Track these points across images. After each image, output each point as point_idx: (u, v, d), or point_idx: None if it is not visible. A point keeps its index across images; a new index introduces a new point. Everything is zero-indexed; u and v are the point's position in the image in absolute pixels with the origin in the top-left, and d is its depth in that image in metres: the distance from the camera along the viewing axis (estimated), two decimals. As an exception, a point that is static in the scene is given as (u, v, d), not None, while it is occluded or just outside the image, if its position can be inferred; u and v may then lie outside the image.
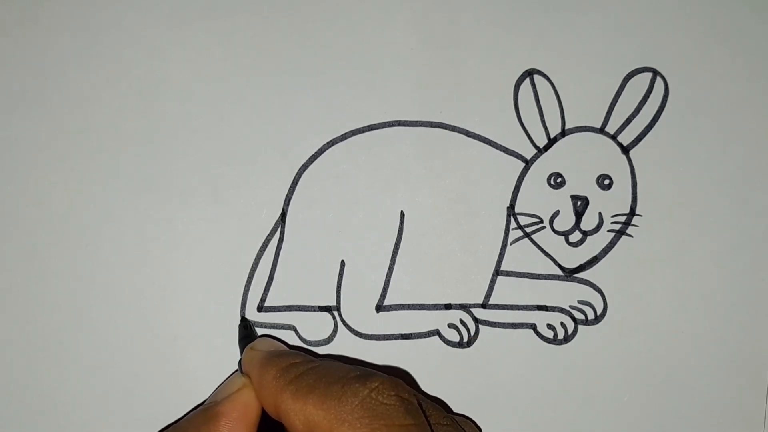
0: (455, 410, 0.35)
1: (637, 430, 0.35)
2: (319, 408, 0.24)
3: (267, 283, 0.35)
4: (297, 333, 0.35)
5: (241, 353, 0.32)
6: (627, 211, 0.35)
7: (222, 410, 0.27)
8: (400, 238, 0.35)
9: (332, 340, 0.35)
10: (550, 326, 0.35)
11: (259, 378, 0.27)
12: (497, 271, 0.35)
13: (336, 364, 0.27)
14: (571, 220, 0.35)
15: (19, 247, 0.34)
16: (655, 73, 0.35)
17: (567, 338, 0.35)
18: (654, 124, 0.35)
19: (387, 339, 0.35)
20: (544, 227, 0.35)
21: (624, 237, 0.35)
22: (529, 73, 0.35)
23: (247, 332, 0.34)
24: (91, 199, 0.34)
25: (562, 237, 0.35)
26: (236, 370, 0.31)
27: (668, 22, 0.35)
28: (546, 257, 0.35)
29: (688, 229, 0.35)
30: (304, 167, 0.35)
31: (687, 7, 0.35)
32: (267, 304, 0.35)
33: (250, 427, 0.27)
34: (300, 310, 0.35)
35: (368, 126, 0.35)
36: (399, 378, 0.26)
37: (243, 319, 0.34)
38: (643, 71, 0.35)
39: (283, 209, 0.35)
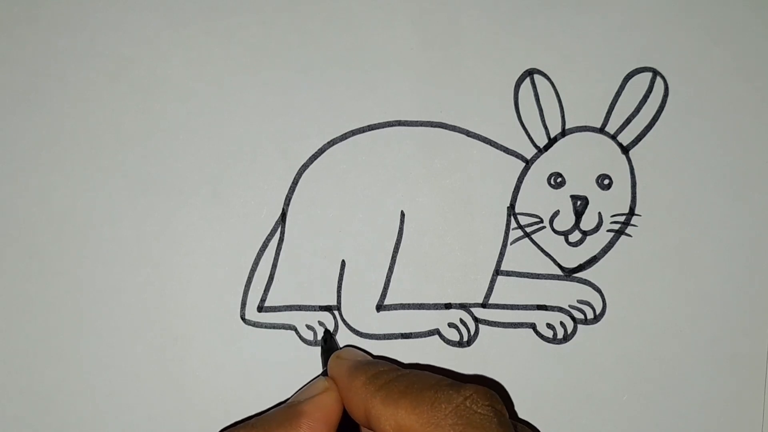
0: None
1: (636, 430, 0.35)
2: (411, 413, 0.24)
3: (267, 283, 0.35)
4: (297, 333, 0.35)
5: (323, 363, 0.32)
6: (626, 211, 0.35)
7: (305, 409, 0.27)
8: (401, 238, 0.35)
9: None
10: (549, 326, 0.35)
11: (348, 384, 0.27)
12: (497, 271, 0.35)
13: (426, 373, 0.27)
14: (571, 219, 0.35)
15: (19, 247, 0.34)
16: (655, 73, 0.35)
17: (566, 338, 0.35)
18: (654, 124, 0.35)
19: (387, 338, 0.35)
20: (544, 227, 0.35)
21: (623, 237, 0.35)
22: (530, 73, 0.35)
23: (329, 343, 0.34)
24: (91, 199, 0.34)
25: (562, 237, 0.35)
26: (319, 375, 0.31)
27: (668, 22, 0.35)
28: (546, 257, 0.35)
29: (688, 229, 0.35)
30: (304, 167, 0.35)
31: (687, 7, 0.35)
32: (267, 304, 0.35)
33: (330, 429, 0.27)
34: (300, 310, 0.35)
35: (368, 126, 0.35)
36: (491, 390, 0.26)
37: (326, 331, 0.35)
38: (643, 71, 0.35)
39: (283, 209, 0.35)
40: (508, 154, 0.35)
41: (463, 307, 0.35)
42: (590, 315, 0.35)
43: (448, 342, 0.35)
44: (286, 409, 0.28)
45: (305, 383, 0.30)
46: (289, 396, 0.30)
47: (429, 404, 0.24)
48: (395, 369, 0.27)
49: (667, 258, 0.35)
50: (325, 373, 0.31)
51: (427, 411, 0.24)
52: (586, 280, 0.35)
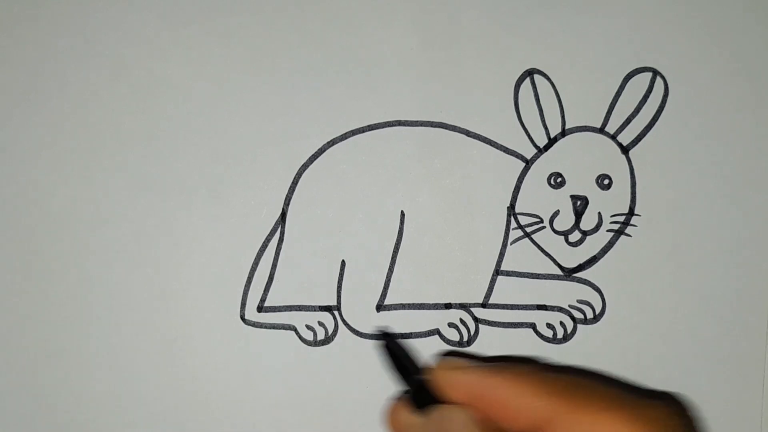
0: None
1: (635, 429, 0.35)
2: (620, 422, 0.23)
3: (267, 283, 0.35)
4: (297, 333, 0.35)
5: (400, 373, 0.29)
6: (626, 211, 0.35)
7: None
8: (400, 238, 0.35)
9: (333, 339, 0.35)
10: (549, 325, 0.35)
11: (504, 400, 0.25)
12: (497, 271, 0.35)
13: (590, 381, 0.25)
14: (571, 219, 0.35)
15: (19, 247, 0.34)
16: (655, 73, 0.35)
17: (566, 337, 0.35)
18: (654, 124, 0.35)
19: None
20: (544, 227, 0.35)
21: (623, 237, 0.35)
22: (530, 73, 0.35)
23: (399, 353, 0.30)
24: (91, 199, 0.34)
25: (562, 237, 0.35)
26: (411, 399, 0.27)
27: (668, 22, 0.35)
28: (546, 257, 0.35)
29: (687, 229, 0.35)
30: (304, 167, 0.35)
31: (687, 8, 0.35)
32: (267, 304, 0.35)
33: None
34: (300, 310, 0.35)
35: (368, 126, 0.35)
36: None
37: (385, 335, 0.33)
38: (643, 71, 0.35)
39: (283, 209, 0.35)
40: (508, 154, 0.35)
41: (463, 307, 0.35)
42: (590, 315, 0.35)
43: (448, 342, 0.35)
44: None
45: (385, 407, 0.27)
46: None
47: (640, 418, 0.23)
48: (551, 371, 0.25)
49: (666, 258, 0.35)
50: (412, 392, 0.27)
51: (643, 425, 0.23)
52: (585, 280, 0.35)
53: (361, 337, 0.35)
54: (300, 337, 0.35)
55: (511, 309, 0.35)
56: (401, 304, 0.35)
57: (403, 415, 0.27)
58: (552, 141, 0.35)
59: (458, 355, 0.35)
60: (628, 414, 0.23)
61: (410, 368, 0.28)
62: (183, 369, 0.34)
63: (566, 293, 0.35)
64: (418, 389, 0.27)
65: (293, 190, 0.35)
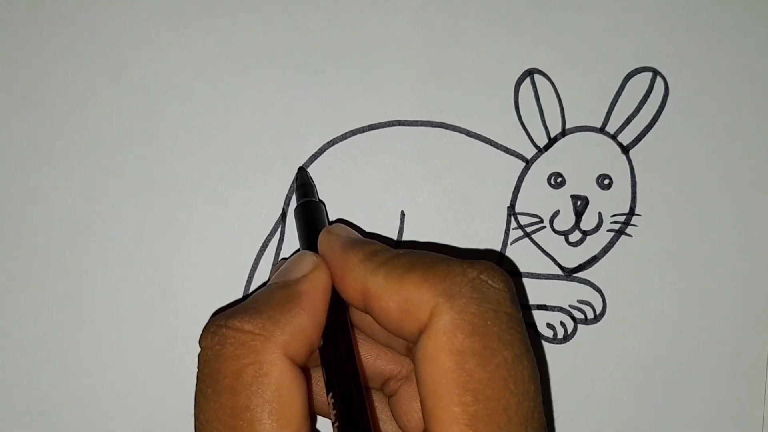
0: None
1: (636, 430, 0.35)
2: (421, 285, 0.23)
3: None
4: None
5: (301, 228, 0.30)
6: (627, 210, 0.35)
7: (303, 289, 0.25)
8: (401, 238, 0.35)
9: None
10: (549, 325, 0.35)
11: (342, 261, 0.26)
12: (497, 271, 0.35)
13: (426, 251, 0.26)
14: (571, 219, 0.35)
15: (19, 247, 0.34)
16: (655, 73, 0.35)
17: (566, 337, 0.35)
18: (654, 124, 0.35)
19: (387, 339, 0.35)
20: (544, 227, 0.35)
21: (623, 237, 0.35)
22: (530, 73, 0.35)
23: (308, 209, 0.32)
24: (91, 199, 0.34)
25: (562, 237, 0.35)
26: (297, 250, 0.30)
27: (668, 22, 0.35)
28: (546, 257, 0.35)
29: (688, 229, 0.35)
30: (304, 167, 0.35)
31: (687, 7, 0.35)
32: (267, 304, 0.35)
33: (326, 309, 0.26)
34: (300, 310, 0.35)
35: (368, 126, 0.35)
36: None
37: (303, 185, 0.33)
38: (643, 71, 0.35)
39: (283, 209, 0.35)
40: (508, 154, 0.35)
41: (463, 307, 0.35)
42: (590, 315, 0.35)
43: (448, 342, 0.35)
44: (284, 290, 0.26)
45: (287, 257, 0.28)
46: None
47: (442, 277, 0.23)
48: (391, 248, 0.26)
49: (667, 258, 0.35)
50: (307, 246, 0.29)
51: (439, 283, 0.23)
52: (586, 279, 0.35)
53: (361, 337, 0.35)
54: (300, 337, 0.35)
55: (512, 309, 0.35)
56: (401, 304, 0.35)
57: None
58: (552, 141, 0.35)
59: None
60: (424, 272, 0.23)
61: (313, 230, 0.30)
62: (183, 369, 0.34)
63: (566, 293, 0.35)
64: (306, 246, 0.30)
65: (293, 190, 0.35)
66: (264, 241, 0.35)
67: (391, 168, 0.35)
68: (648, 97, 0.35)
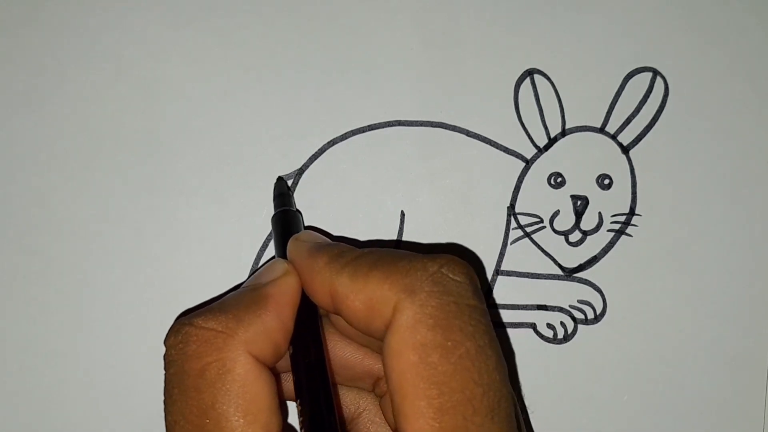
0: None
1: (636, 430, 0.35)
2: (384, 282, 0.23)
3: (267, 283, 0.35)
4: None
5: (277, 238, 0.31)
6: (627, 210, 0.35)
7: (270, 292, 0.26)
8: (401, 238, 0.35)
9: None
10: (549, 326, 0.35)
11: (309, 265, 0.26)
12: (497, 271, 0.35)
13: (390, 249, 0.26)
14: (571, 219, 0.35)
15: (19, 247, 0.34)
16: (655, 73, 0.35)
17: (567, 338, 0.35)
18: (654, 124, 0.35)
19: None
20: (544, 227, 0.35)
21: (624, 237, 0.35)
22: (530, 73, 0.35)
23: (285, 217, 0.32)
24: (91, 199, 0.34)
25: (562, 237, 0.35)
26: (272, 257, 0.30)
27: (668, 22, 0.35)
28: (546, 257, 0.35)
29: (688, 229, 0.35)
30: (304, 167, 0.35)
31: (687, 7, 0.35)
32: (267, 304, 0.35)
33: (294, 313, 0.26)
34: (300, 310, 0.35)
35: (368, 126, 0.35)
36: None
37: (281, 195, 0.33)
38: (643, 71, 0.35)
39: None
40: (508, 154, 0.35)
41: (463, 307, 0.35)
42: (590, 315, 0.35)
43: (448, 342, 0.35)
44: (251, 293, 0.26)
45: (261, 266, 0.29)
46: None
47: (403, 273, 0.24)
48: (357, 249, 0.26)
49: (667, 258, 0.35)
50: (282, 255, 0.29)
51: (401, 279, 0.23)
52: (586, 280, 0.35)
53: (361, 337, 0.35)
54: (300, 337, 0.35)
55: (511, 309, 0.35)
56: (401, 304, 0.35)
57: None
58: (552, 141, 0.35)
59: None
60: (386, 270, 0.24)
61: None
62: (183, 369, 0.34)
63: (567, 293, 0.35)
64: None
65: (293, 191, 0.35)
66: (264, 241, 0.35)
67: (391, 168, 0.35)
68: (648, 97, 0.35)
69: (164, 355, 0.25)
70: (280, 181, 0.34)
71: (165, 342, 0.25)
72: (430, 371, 0.22)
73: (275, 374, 0.25)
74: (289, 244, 0.29)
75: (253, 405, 0.23)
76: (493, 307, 0.35)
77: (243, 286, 0.27)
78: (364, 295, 0.24)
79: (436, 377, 0.22)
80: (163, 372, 0.25)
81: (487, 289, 0.35)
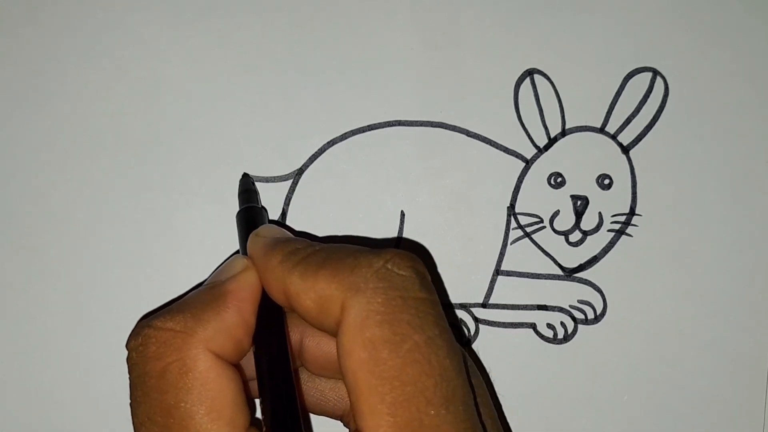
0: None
1: (636, 430, 0.35)
2: (331, 281, 0.24)
3: (267, 283, 0.35)
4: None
5: (240, 231, 0.31)
6: (627, 210, 0.35)
7: (230, 288, 0.26)
8: (400, 238, 0.35)
9: (332, 340, 0.35)
10: (550, 326, 0.35)
11: (264, 263, 0.26)
12: (497, 271, 0.35)
13: (344, 245, 0.26)
14: (571, 219, 0.35)
15: (19, 247, 0.34)
16: (655, 73, 0.35)
17: (567, 338, 0.35)
18: (654, 124, 0.35)
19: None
20: (544, 227, 0.35)
21: (624, 237, 0.35)
22: (530, 73, 0.35)
23: (249, 214, 0.32)
24: (91, 199, 0.34)
25: (562, 237, 0.35)
26: (235, 253, 0.30)
27: (668, 22, 0.35)
28: (546, 257, 0.35)
29: (688, 229, 0.35)
30: (304, 167, 0.35)
31: (687, 7, 0.35)
32: (267, 304, 0.35)
33: (254, 309, 0.26)
34: (300, 310, 0.35)
35: (368, 126, 0.35)
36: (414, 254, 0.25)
37: (246, 191, 0.33)
38: (643, 71, 0.35)
39: (283, 209, 0.35)
40: (508, 154, 0.35)
41: (463, 307, 0.35)
42: (591, 315, 0.35)
43: (448, 342, 0.35)
44: (210, 290, 0.26)
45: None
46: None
47: (349, 270, 0.24)
48: (313, 244, 0.26)
49: (667, 258, 0.35)
50: (246, 252, 0.29)
51: (347, 277, 0.23)
52: (586, 280, 0.35)
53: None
54: (300, 337, 0.35)
55: (512, 309, 0.35)
56: (401, 304, 0.35)
57: None
58: (552, 141, 0.35)
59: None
60: (334, 268, 0.24)
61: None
62: (183, 369, 0.34)
63: (567, 293, 0.35)
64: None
65: (293, 190, 0.35)
66: (264, 241, 0.35)
67: (391, 168, 0.35)
68: (648, 97, 0.35)
69: (126, 359, 0.25)
70: (245, 177, 0.34)
71: (126, 345, 0.25)
72: (381, 367, 0.22)
73: (243, 373, 0.25)
74: (249, 239, 0.28)
75: (216, 401, 0.24)
76: (493, 307, 0.35)
77: (204, 284, 0.27)
78: (314, 294, 0.24)
79: (387, 372, 0.22)
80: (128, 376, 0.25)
81: (487, 288, 0.35)
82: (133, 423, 0.25)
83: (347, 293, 0.23)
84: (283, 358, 0.26)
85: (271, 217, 0.35)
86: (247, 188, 0.33)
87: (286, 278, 0.25)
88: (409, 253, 0.25)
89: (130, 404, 0.25)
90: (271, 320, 0.27)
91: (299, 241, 0.27)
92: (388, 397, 0.22)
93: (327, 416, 0.30)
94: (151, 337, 0.24)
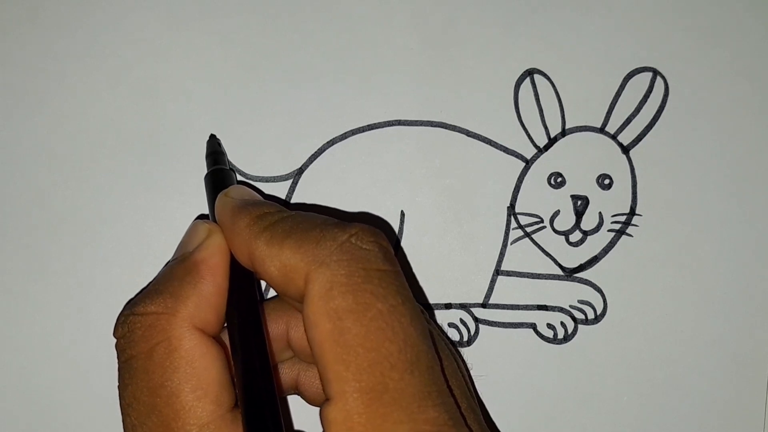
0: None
1: (636, 430, 0.35)
2: (296, 252, 0.24)
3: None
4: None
5: (207, 193, 0.31)
6: (627, 210, 0.35)
7: (200, 258, 0.26)
8: (401, 238, 0.35)
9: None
10: (550, 326, 0.35)
11: (231, 225, 0.26)
12: (497, 271, 0.35)
13: (311, 214, 0.26)
14: (572, 219, 0.35)
15: (19, 247, 0.34)
16: (655, 73, 0.35)
17: (567, 338, 0.35)
18: (654, 124, 0.35)
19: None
20: (544, 227, 0.35)
21: (624, 237, 0.35)
22: (530, 73, 0.35)
23: (217, 176, 0.31)
24: (91, 199, 0.34)
25: (563, 237, 0.35)
26: (195, 219, 0.31)
27: (668, 22, 0.35)
28: (546, 257, 0.35)
29: (688, 229, 0.35)
30: (304, 167, 0.35)
31: (687, 7, 0.35)
32: (267, 304, 0.35)
33: (227, 271, 0.26)
34: (300, 310, 0.35)
35: (368, 126, 0.35)
36: (378, 228, 0.26)
37: (213, 153, 0.33)
38: (643, 71, 0.35)
39: (283, 209, 0.35)
40: (508, 154, 0.35)
41: (463, 307, 0.35)
42: (591, 315, 0.35)
43: (448, 342, 0.35)
44: (182, 263, 0.26)
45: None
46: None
47: (315, 242, 0.24)
48: (281, 210, 0.26)
49: (668, 258, 0.35)
50: (202, 216, 0.29)
51: (312, 249, 0.24)
52: (586, 280, 0.35)
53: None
54: (300, 337, 0.35)
55: (512, 309, 0.35)
56: (401, 304, 0.35)
57: None
58: (552, 141, 0.35)
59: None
60: (299, 239, 0.24)
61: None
62: (182, 369, 0.34)
63: (567, 293, 0.35)
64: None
65: (293, 190, 0.35)
66: (264, 241, 0.35)
67: (391, 168, 0.35)
68: (648, 97, 0.35)
69: (115, 347, 0.25)
70: (212, 139, 0.34)
71: (114, 335, 0.25)
72: (345, 336, 0.23)
73: (228, 355, 0.26)
74: (217, 200, 0.28)
75: (202, 380, 0.24)
76: (493, 307, 0.35)
77: (172, 258, 0.28)
78: (279, 262, 0.24)
79: (352, 340, 0.23)
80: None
81: (487, 288, 0.35)
82: (121, 406, 0.25)
83: (311, 265, 0.23)
84: (255, 317, 0.26)
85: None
86: (214, 150, 0.33)
87: (252, 243, 0.25)
88: (374, 228, 0.25)
89: (118, 389, 0.25)
90: (241, 278, 0.27)
91: (268, 205, 0.27)
92: (353, 364, 0.22)
93: None
94: (136, 323, 0.25)
